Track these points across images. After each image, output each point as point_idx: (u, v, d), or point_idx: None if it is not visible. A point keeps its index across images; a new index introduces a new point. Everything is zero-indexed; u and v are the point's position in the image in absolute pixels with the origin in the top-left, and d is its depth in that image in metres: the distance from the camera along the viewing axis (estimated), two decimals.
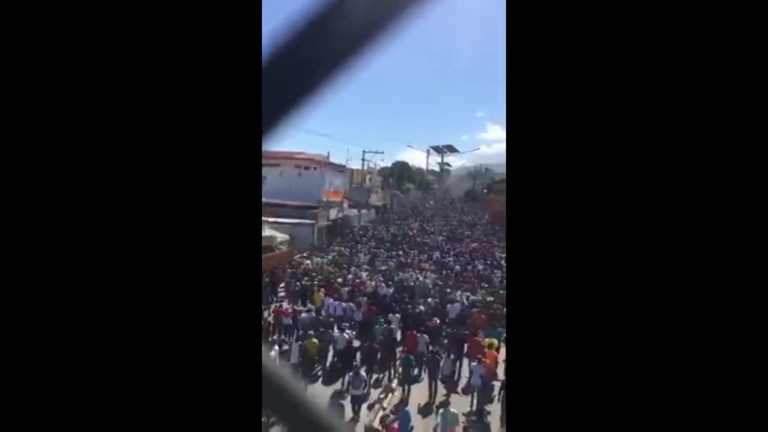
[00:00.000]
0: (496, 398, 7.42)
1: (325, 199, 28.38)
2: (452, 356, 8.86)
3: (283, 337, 10.39)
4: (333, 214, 28.25)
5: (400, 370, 8.88)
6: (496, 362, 7.97)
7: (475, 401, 7.74)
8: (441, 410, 6.66)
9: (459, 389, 8.52)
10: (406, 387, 8.24)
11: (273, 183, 27.74)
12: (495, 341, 9.07)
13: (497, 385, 7.46)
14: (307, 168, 30.65)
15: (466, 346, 9.36)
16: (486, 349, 8.43)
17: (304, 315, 11.15)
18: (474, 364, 7.96)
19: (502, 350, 8.51)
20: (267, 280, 14.67)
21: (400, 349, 9.85)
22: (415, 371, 8.65)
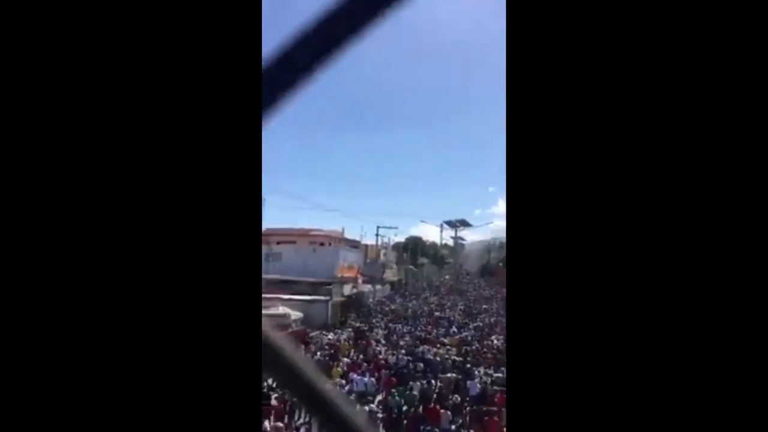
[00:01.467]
0: None
1: (339, 275, 28.29)
2: None
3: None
4: (347, 290, 27.97)
5: None
6: None
7: None
8: None
9: None
10: None
11: (288, 260, 27.90)
12: None
13: None
14: (321, 244, 30.94)
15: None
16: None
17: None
18: None
19: None
20: None
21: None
22: None
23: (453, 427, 9.07)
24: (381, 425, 8.93)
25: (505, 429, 8.12)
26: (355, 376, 12.48)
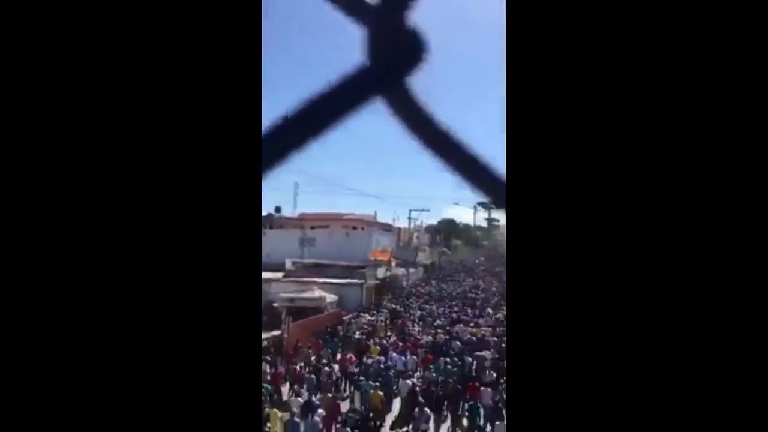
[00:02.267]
0: None
1: (372, 259, 28.51)
2: None
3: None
4: (381, 273, 28.19)
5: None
6: None
7: None
8: None
9: None
10: None
11: (322, 244, 28.32)
12: None
13: None
14: (354, 228, 31.23)
15: None
16: None
17: (369, 361, 12.07)
18: None
19: None
20: (328, 336, 15.79)
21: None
22: (480, 422, 8.86)
23: (492, 402, 9.22)
24: (422, 399, 9.24)
25: None
26: (393, 354, 12.96)
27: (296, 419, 8.13)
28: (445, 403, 9.62)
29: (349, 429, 7.74)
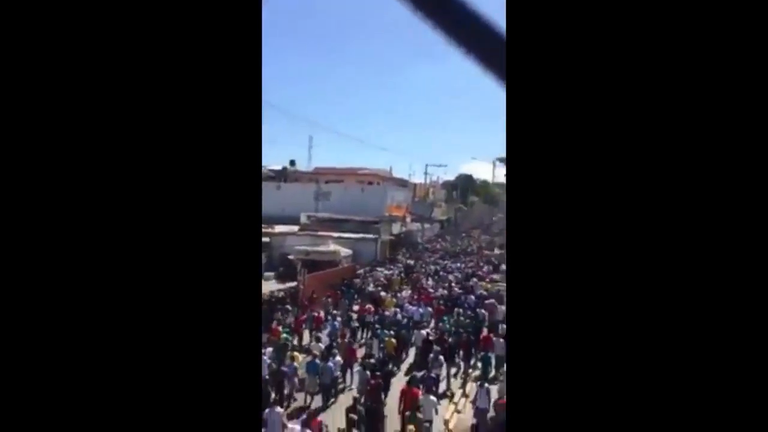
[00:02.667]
0: None
1: (387, 214, 28.39)
2: None
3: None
4: (396, 228, 28.17)
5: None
6: None
7: None
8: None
9: None
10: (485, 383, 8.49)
11: (337, 198, 28.27)
12: None
13: None
14: (370, 183, 31.05)
15: None
16: None
17: (387, 313, 12.59)
18: None
19: None
20: (344, 288, 16.32)
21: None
22: (492, 371, 9.22)
23: (504, 353, 9.34)
24: (436, 347, 9.62)
25: None
26: (409, 306, 13.37)
27: (317, 360, 8.50)
28: (459, 351, 10.04)
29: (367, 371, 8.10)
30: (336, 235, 22.31)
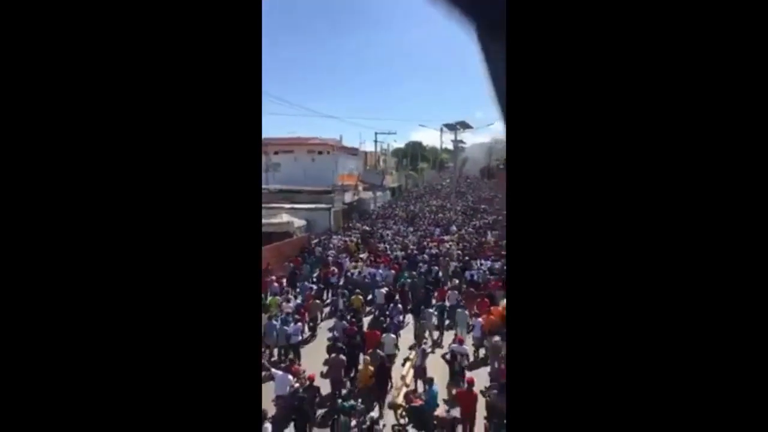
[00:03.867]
0: (485, 341, 9.25)
1: (339, 183, 28.41)
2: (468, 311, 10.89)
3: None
4: (348, 197, 28.29)
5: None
6: (501, 317, 9.34)
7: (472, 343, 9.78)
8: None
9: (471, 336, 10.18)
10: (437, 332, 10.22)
11: (287, 169, 27.89)
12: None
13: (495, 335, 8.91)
14: (320, 153, 30.69)
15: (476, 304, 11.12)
16: (491, 307, 10.24)
17: (349, 274, 13.81)
18: (477, 319, 9.87)
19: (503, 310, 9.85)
20: (306, 254, 17.22)
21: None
22: (447, 320, 10.57)
23: (456, 302, 11.11)
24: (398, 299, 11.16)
25: (491, 308, 10.11)
26: (369, 268, 14.42)
27: (274, 322, 9.14)
28: (416, 303, 11.16)
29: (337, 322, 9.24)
30: (288, 206, 22.18)
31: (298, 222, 21.04)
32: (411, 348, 9.30)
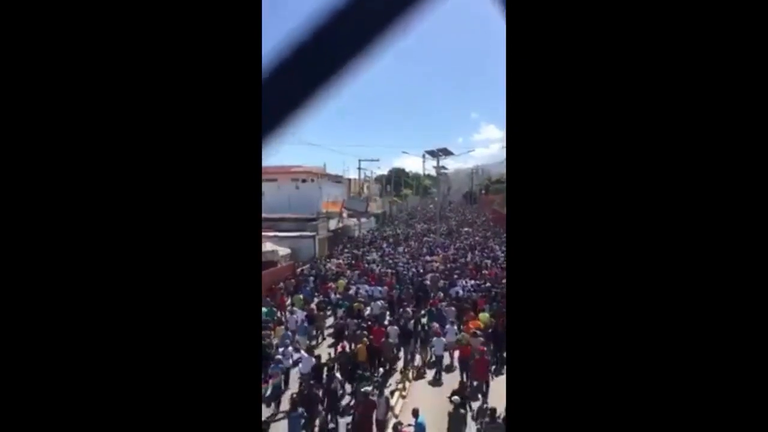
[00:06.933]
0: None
1: (324, 211, 28.46)
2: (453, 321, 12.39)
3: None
4: (333, 224, 28.28)
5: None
6: (478, 328, 10.93)
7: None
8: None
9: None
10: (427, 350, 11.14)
11: (271, 197, 27.84)
12: (487, 314, 12.10)
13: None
14: (304, 180, 30.79)
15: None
16: (474, 321, 11.59)
17: (349, 292, 15.19)
18: (453, 327, 11.51)
19: (485, 319, 11.71)
20: (302, 278, 18.55)
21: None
22: (434, 319, 11.86)
23: (444, 309, 12.81)
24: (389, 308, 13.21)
25: (474, 318, 11.60)
26: (365, 286, 16.01)
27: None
28: (408, 311, 12.88)
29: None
30: (272, 234, 22.09)
31: (283, 250, 20.90)
32: (400, 375, 9.51)
